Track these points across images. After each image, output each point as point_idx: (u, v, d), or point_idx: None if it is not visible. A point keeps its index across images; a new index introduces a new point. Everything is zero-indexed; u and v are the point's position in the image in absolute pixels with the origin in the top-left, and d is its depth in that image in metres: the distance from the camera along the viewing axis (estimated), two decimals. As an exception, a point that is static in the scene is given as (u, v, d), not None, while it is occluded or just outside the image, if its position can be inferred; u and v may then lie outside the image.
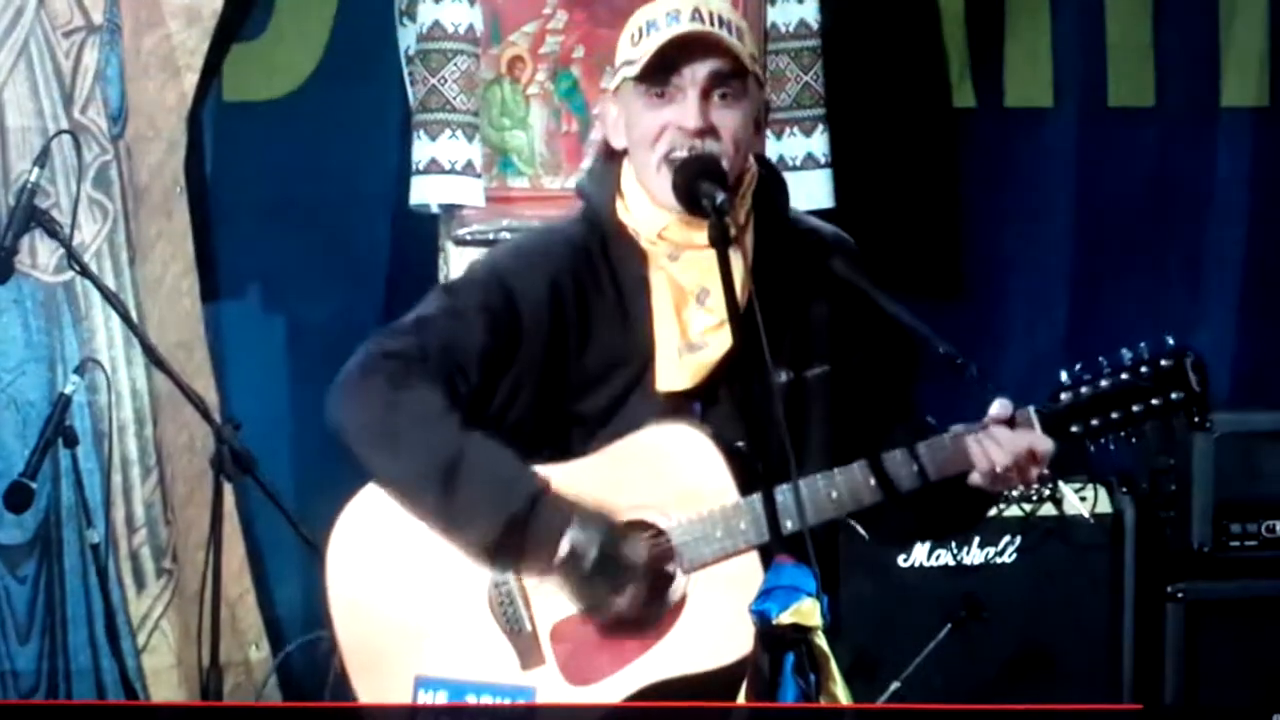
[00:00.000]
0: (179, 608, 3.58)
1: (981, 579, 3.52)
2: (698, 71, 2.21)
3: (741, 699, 2.07)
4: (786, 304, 2.25)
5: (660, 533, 2.20)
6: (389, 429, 2.20)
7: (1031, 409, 2.19)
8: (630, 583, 2.15)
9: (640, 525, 2.21)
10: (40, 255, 3.51)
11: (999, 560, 3.55)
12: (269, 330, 3.82)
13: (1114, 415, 2.16)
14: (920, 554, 3.54)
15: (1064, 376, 2.19)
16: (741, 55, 2.22)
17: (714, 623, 2.16)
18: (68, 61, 3.56)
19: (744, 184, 2.26)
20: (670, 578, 2.19)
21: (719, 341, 2.22)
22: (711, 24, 2.22)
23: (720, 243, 2.12)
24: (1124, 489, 3.61)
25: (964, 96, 4.06)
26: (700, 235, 2.19)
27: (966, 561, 3.54)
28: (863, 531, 2.83)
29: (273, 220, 3.79)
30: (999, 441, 2.17)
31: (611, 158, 2.32)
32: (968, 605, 3.46)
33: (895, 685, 3.38)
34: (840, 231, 2.38)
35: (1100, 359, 2.18)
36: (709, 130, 2.20)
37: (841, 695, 2.04)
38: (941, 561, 3.54)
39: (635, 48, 2.25)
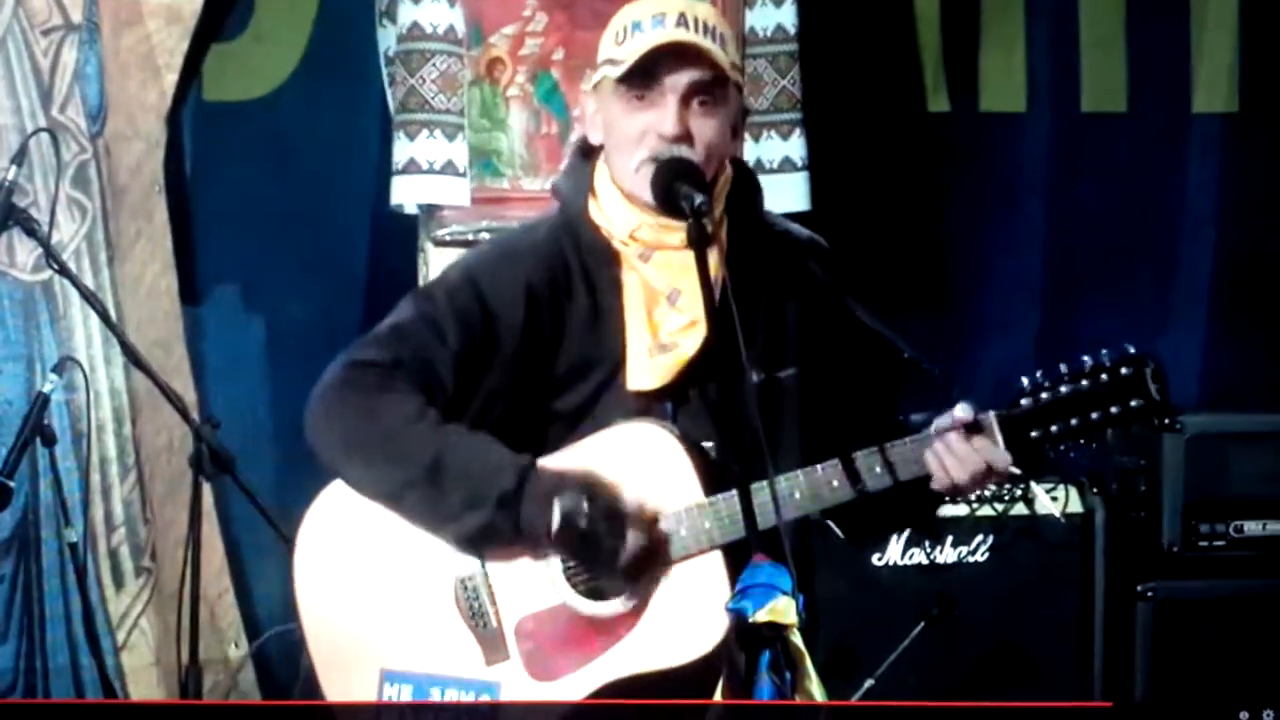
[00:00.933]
0: (158, 606, 3.58)
1: (955, 578, 3.54)
2: (679, 79, 2.22)
3: (718, 696, 2.09)
4: (759, 305, 2.27)
5: None
6: (369, 438, 2.21)
7: (992, 414, 2.19)
8: (628, 529, 2.15)
9: None
10: (18, 254, 3.51)
11: (972, 559, 3.57)
12: (248, 330, 3.82)
13: (1073, 422, 2.17)
14: (894, 553, 3.56)
15: (1025, 382, 2.20)
16: (724, 64, 2.24)
17: (676, 620, 2.18)
18: (46, 60, 3.55)
19: (719, 186, 2.27)
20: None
21: (689, 342, 2.24)
22: (696, 30, 2.23)
23: (698, 244, 2.14)
24: (1095, 489, 3.64)
25: (939, 101, 4.08)
26: (672, 236, 2.21)
27: (940, 560, 3.56)
28: (837, 530, 2.86)
29: (252, 220, 3.79)
30: (957, 455, 2.18)
31: (586, 157, 2.33)
32: (941, 603, 3.48)
33: (870, 682, 3.41)
34: (814, 235, 2.40)
35: (1061, 365, 2.19)
36: (685, 137, 2.22)
37: (816, 692, 2.06)
38: (915, 560, 3.57)
39: (619, 48, 2.25)
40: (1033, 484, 3.59)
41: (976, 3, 4.08)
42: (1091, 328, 4.06)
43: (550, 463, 2.21)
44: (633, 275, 2.27)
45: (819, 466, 2.20)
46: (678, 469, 2.20)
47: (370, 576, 2.24)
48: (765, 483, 2.14)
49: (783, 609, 2.04)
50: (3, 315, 3.52)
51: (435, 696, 2.18)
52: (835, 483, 2.20)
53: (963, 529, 3.56)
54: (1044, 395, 2.18)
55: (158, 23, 3.66)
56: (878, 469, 2.20)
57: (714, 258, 2.19)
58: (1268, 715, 3.54)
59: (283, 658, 3.64)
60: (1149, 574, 3.64)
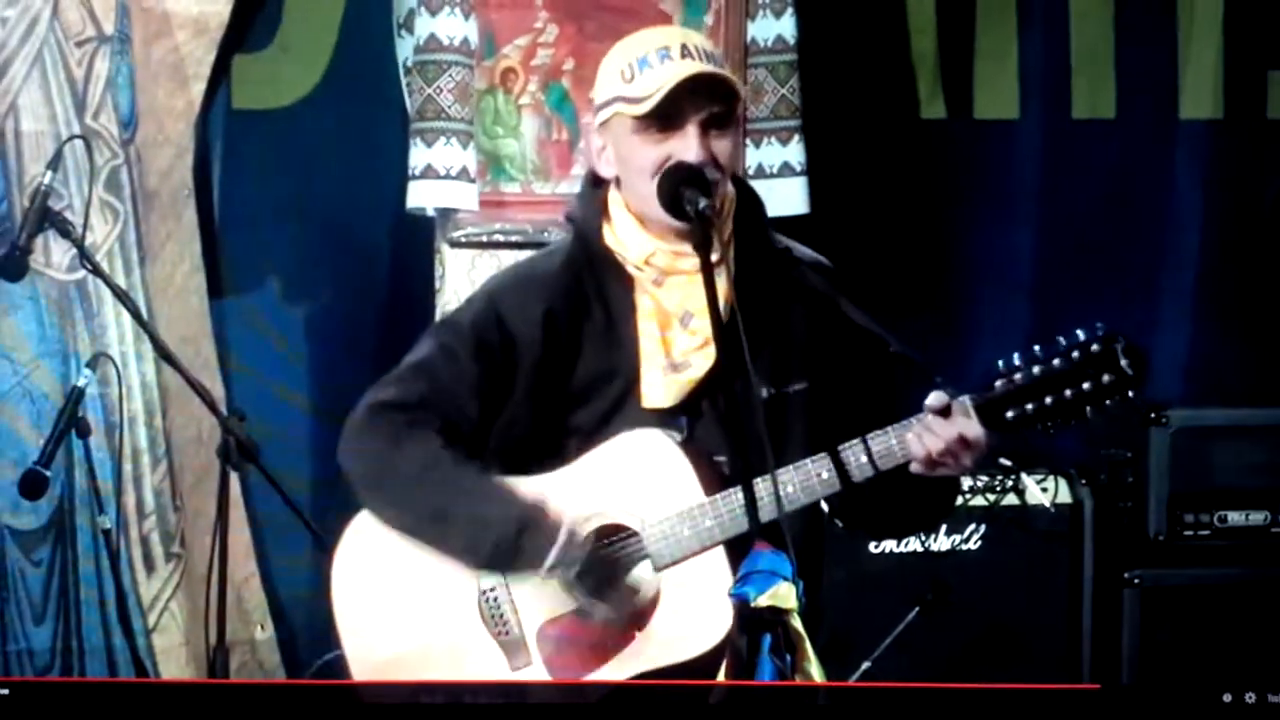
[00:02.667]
0: (187, 590, 3.62)
1: (948, 565, 3.59)
2: (700, 109, 2.25)
3: (721, 678, 2.16)
4: (767, 322, 2.31)
5: (633, 534, 2.28)
6: (385, 480, 2.31)
7: (967, 398, 2.21)
8: (610, 592, 2.24)
9: (615, 529, 2.30)
10: (54, 254, 3.56)
11: (965, 547, 3.61)
12: (273, 326, 3.86)
13: (1048, 400, 2.17)
14: (890, 541, 3.60)
15: (1000, 364, 2.21)
16: (737, 90, 2.29)
17: (686, 616, 2.23)
18: (80, 70, 3.61)
19: (725, 206, 2.30)
20: (644, 578, 2.28)
21: (701, 361, 2.28)
22: (699, 59, 2.27)
23: (703, 247, 2.20)
24: (1083, 480, 3.67)
25: (935, 109, 4.12)
26: (685, 261, 2.26)
27: (934, 548, 3.60)
28: (839, 524, 2.96)
29: (278, 222, 3.84)
30: (933, 430, 2.21)
31: (597, 184, 2.36)
32: (935, 590, 3.52)
33: (866, 665, 3.45)
34: (818, 255, 2.43)
35: (1035, 347, 2.19)
36: (710, 163, 2.26)
37: (816, 674, 2.12)
38: (910, 548, 3.61)
39: (630, 84, 2.27)
40: (1023, 475, 3.62)
41: (971, 14, 4.12)
42: (1080, 326, 4.12)
43: (560, 481, 2.29)
44: (646, 298, 2.30)
45: (808, 461, 2.24)
46: (678, 473, 2.25)
47: (402, 596, 2.32)
48: (759, 479, 2.18)
49: (784, 594, 2.09)
50: (39, 313, 3.56)
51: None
52: (824, 474, 2.24)
53: (956, 518, 3.59)
54: (1017, 376, 2.19)
55: (186, 34, 3.71)
56: (862, 459, 2.23)
57: (722, 278, 2.22)
58: (1250, 697, 3.61)
59: (306, 638, 3.70)
60: (1136, 562, 3.68)
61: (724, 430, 2.29)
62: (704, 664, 2.21)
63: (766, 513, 2.17)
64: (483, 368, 2.31)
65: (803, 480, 2.25)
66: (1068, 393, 2.19)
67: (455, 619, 2.31)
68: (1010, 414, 2.21)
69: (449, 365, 2.32)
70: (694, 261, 2.24)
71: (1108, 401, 2.19)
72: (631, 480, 2.28)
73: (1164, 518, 3.70)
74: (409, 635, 2.32)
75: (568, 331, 2.32)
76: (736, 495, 2.22)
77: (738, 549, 2.22)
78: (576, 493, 2.30)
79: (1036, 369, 2.20)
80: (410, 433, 2.30)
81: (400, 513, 2.32)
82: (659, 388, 2.30)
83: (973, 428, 2.22)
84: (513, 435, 2.33)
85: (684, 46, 2.29)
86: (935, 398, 2.24)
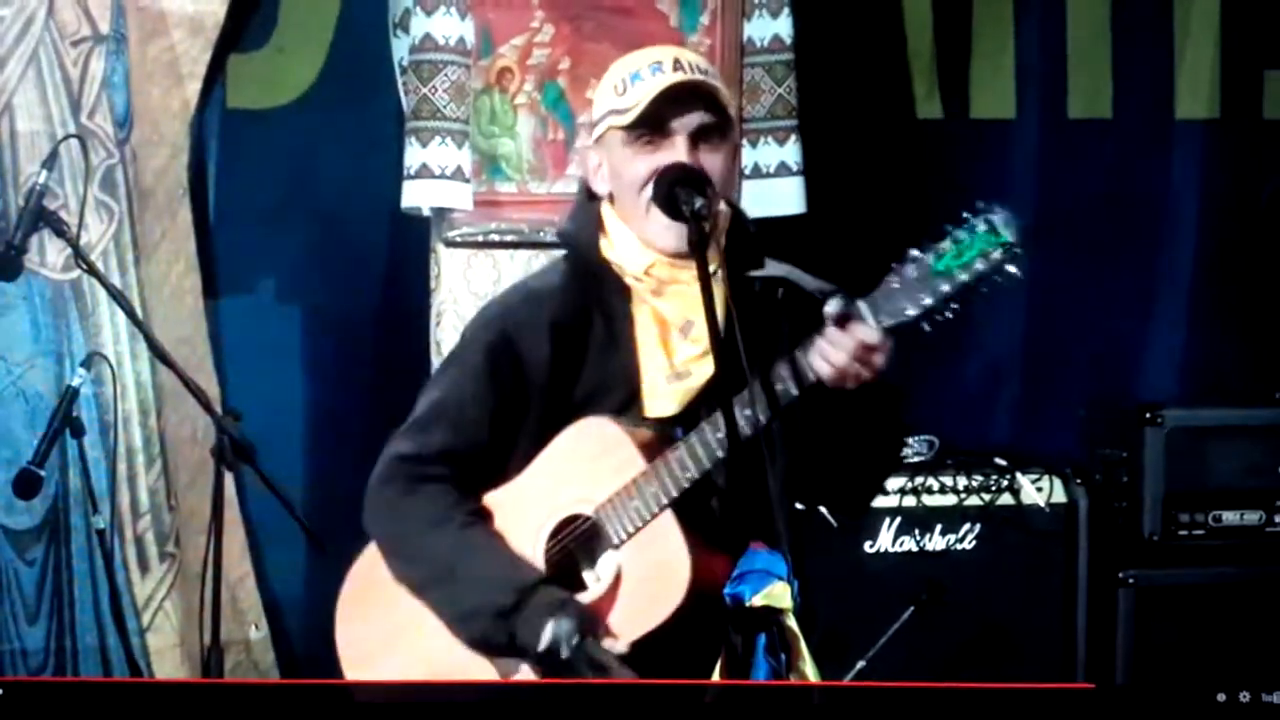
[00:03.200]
0: (181, 589, 3.63)
1: (943, 564, 3.61)
2: (688, 121, 2.28)
3: (716, 677, 2.19)
4: (757, 338, 2.30)
5: (585, 519, 2.30)
6: (398, 537, 2.35)
7: (860, 301, 2.20)
8: (605, 670, 2.24)
9: (571, 519, 2.31)
10: (49, 254, 3.56)
11: (960, 547, 3.63)
12: (268, 326, 3.87)
13: (943, 288, 2.15)
14: (885, 540, 3.63)
15: (892, 266, 2.19)
16: (726, 103, 2.30)
17: (645, 584, 2.25)
18: (75, 69, 3.61)
19: (719, 227, 2.30)
20: (606, 558, 2.29)
21: (701, 370, 2.31)
22: (690, 72, 2.29)
23: (699, 247, 2.21)
24: (1078, 480, 3.69)
25: (932, 108, 4.15)
26: (684, 273, 2.28)
27: (929, 548, 3.62)
28: (831, 519, 2.97)
29: (273, 221, 3.85)
30: (832, 342, 2.20)
31: (592, 199, 2.39)
32: (930, 589, 3.54)
33: (861, 664, 3.47)
34: (817, 280, 2.40)
35: (922, 241, 2.17)
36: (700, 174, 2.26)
37: (810, 673, 2.16)
38: (905, 548, 3.63)
39: (621, 98, 2.31)
40: (1018, 475, 3.65)
41: (968, 14, 4.14)
42: (1076, 324, 4.11)
43: (522, 486, 2.31)
44: (645, 308, 2.33)
45: (743, 393, 2.22)
46: (618, 447, 2.27)
47: (408, 633, 2.35)
48: (694, 431, 2.22)
49: (778, 594, 2.15)
50: (34, 312, 3.56)
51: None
52: (749, 412, 2.22)
53: (951, 518, 3.62)
54: (909, 269, 2.17)
55: (181, 34, 3.72)
56: (785, 378, 2.23)
57: (719, 292, 2.24)
58: (1244, 697, 3.63)
59: (300, 638, 3.72)
60: (1130, 562, 3.70)
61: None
62: (669, 632, 2.21)
63: (711, 458, 2.20)
64: (496, 394, 2.34)
65: (740, 414, 2.23)
66: (963, 276, 2.17)
67: (461, 660, 2.32)
68: (910, 310, 2.18)
69: (462, 398, 2.35)
70: (693, 272, 2.25)
71: (998, 277, 2.18)
72: (580, 468, 2.30)
73: (1159, 517, 3.72)
74: (410, 670, 2.34)
75: (573, 344, 2.34)
76: (675, 453, 2.24)
77: (729, 544, 2.24)
78: (535, 493, 2.32)
79: (930, 257, 2.18)
80: (423, 486, 2.34)
81: (411, 568, 2.35)
82: (663, 396, 2.32)
83: (870, 332, 2.20)
84: (520, 446, 2.35)
85: (676, 61, 2.31)
86: (833, 304, 2.22)
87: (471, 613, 2.30)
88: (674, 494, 2.26)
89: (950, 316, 2.18)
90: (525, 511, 2.33)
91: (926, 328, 2.19)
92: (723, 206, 2.33)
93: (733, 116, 2.34)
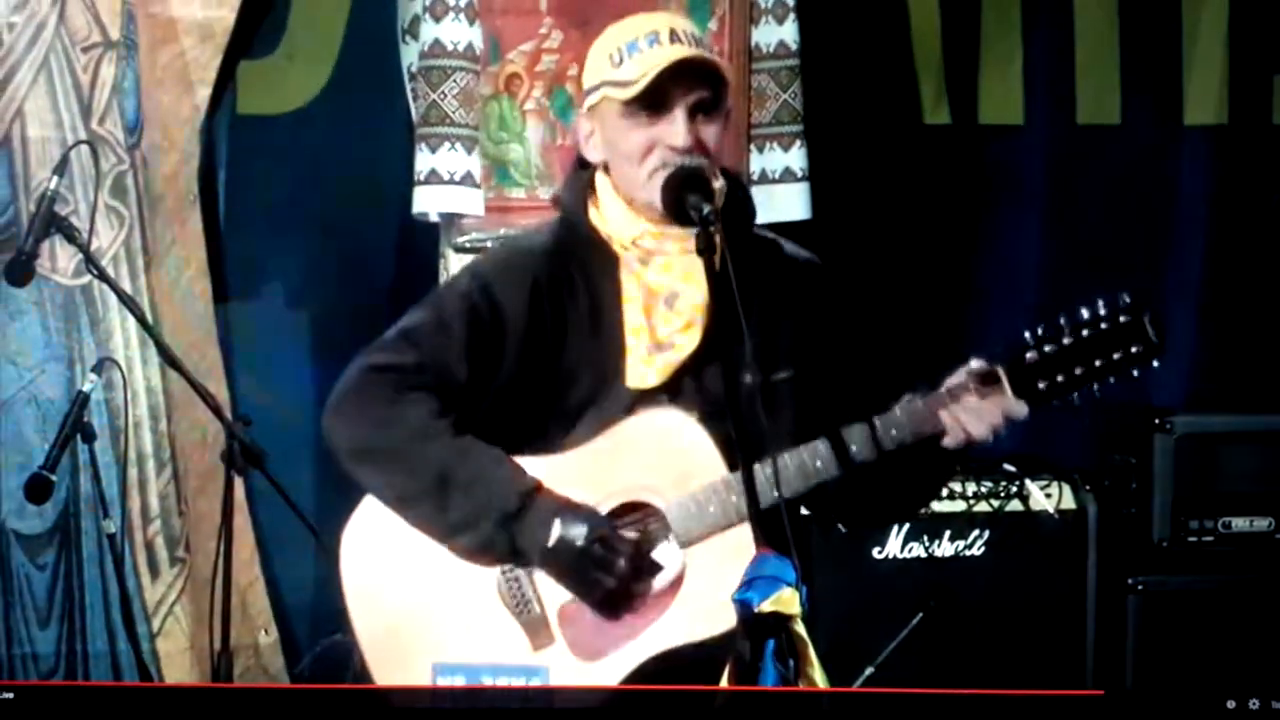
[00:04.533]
0: (191, 594, 3.63)
1: (952, 571, 3.59)
2: (689, 95, 2.28)
3: (724, 683, 2.14)
4: (753, 309, 2.28)
5: (655, 512, 2.28)
6: (382, 446, 2.28)
7: (1000, 368, 2.22)
8: (618, 563, 2.22)
9: (636, 506, 2.29)
10: (59, 259, 3.57)
11: (969, 553, 3.62)
12: (278, 331, 3.89)
13: (1078, 371, 2.20)
14: (894, 547, 3.61)
15: (1027, 336, 2.22)
16: (726, 75, 2.31)
17: (711, 593, 2.21)
18: (86, 75, 3.62)
19: (716, 192, 2.29)
20: (668, 554, 2.27)
21: (686, 342, 2.30)
22: (688, 44, 2.29)
23: (707, 252, 2.21)
24: (1088, 486, 3.68)
25: (940, 114, 4.15)
26: (672, 243, 2.28)
27: (938, 554, 3.61)
28: (840, 526, 2.95)
29: (283, 227, 3.87)
30: (971, 410, 2.23)
31: (584, 166, 2.39)
32: (939, 596, 3.54)
33: (869, 670, 3.47)
34: (808, 252, 2.44)
35: (1060, 318, 2.21)
36: (696, 147, 2.28)
37: (819, 680, 2.11)
38: (914, 554, 3.62)
39: (618, 69, 2.30)
40: (1028, 481, 3.64)
41: (976, 20, 4.15)
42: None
43: (576, 462, 2.28)
44: (631, 278, 2.31)
45: (817, 441, 2.24)
46: (702, 450, 2.25)
47: (415, 577, 2.30)
48: (779, 455, 2.19)
49: (787, 599, 2.08)
50: (45, 318, 3.57)
51: (486, 683, 2.21)
52: (823, 453, 2.24)
53: (960, 524, 3.61)
54: (1048, 348, 2.21)
55: (191, 40, 3.73)
56: (893, 432, 2.23)
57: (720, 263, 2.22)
58: (1253, 704, 3.61)
59: (311, 643, 3.70)
60: (1139, 568, 3.69)
61: (705, 413, 2.27)
62: (727, 643, 2.18)
63: (774, 494, 2.16)
64: (471, 333, 2.30)
65: (798, 461, 2.24)
66: (1098, 362, 2.21)
67: (473, 599, 2.29)
68: (1042, 385, 2.22)
69: (439, 331, 2.31)
70: (680, 243, 2.26)
71: (1134, 371, 2.22)
72: (653, 459, 2.27)
73: (1168, 523, 3.71)
74: (424, 616, 2.30)
75: (553, 308, 2.32)
76: (766, 469, 2.21)
77: (766, 525, 2.19)
78: (593, 474, 2.29)
79: (1068, 339, 2.22)
80: (406, 394, 2.27)
81: (398, 480, 2.27)
82: (643, 368, 2.31)
83: (1012, 404, 2.23)
84: (501, 419, 2.32)
85: (672, 31, 2.31)
86: (979, 364, 2.25)
87: (468, 520, 2.24)
88: (759, 509, 2.20)
89: (1077, 402, 2.23)
90: (568, 487, 2.28)
91: (1057, 404, 2.24)
92: (720, 182, 2.32)
93: (729, 83, 2.33)
